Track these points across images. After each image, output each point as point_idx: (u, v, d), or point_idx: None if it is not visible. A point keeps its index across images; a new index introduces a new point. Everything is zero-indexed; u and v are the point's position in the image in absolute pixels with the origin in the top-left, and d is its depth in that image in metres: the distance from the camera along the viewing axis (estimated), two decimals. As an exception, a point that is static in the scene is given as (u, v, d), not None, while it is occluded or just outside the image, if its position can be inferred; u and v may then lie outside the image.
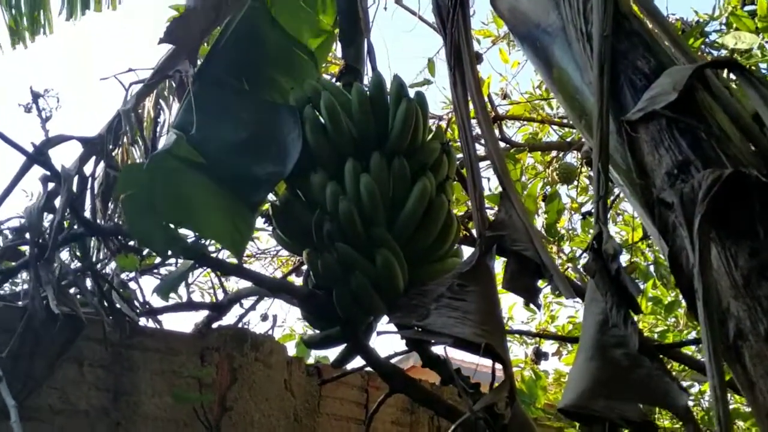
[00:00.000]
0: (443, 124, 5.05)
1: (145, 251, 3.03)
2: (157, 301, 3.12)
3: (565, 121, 6.02)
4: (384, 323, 2.18)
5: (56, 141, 2.61)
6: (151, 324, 3.11)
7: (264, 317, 4.98)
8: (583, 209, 5.44)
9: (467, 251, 2.37)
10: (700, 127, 1.40)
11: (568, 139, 5.82)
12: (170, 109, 3.62)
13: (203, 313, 3.24)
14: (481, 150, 3.00)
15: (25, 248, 2.71)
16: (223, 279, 3.92)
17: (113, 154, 3.20)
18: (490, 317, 1.83)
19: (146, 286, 5.13)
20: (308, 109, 2.21)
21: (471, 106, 2.14)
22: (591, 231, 4.49)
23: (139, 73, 3.16)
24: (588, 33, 1.66)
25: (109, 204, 3.09)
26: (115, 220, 3.17)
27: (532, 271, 1.83)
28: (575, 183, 5.38)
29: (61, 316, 2.32)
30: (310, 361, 4.06)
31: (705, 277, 1.19)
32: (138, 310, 2.95)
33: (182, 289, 3.49)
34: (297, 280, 5.29)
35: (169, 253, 2.58)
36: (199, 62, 2.68)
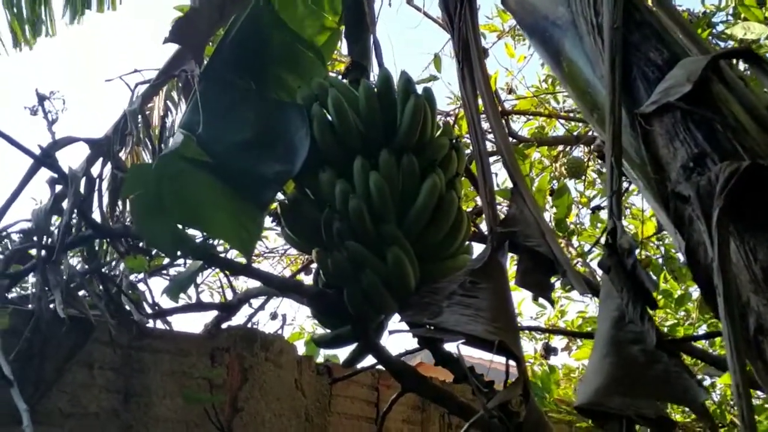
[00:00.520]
0: (450, 120, 5.03)
1: (154, 252, 3.02)
2: (166, 303, 3.12)
3: (571, 114, 5.99)
4: (395, 321, 2.16)
5: (63, 143, 2.61)
6: (160, 325, 3.10)
7: (273, 316, 4.98)
8: (592, 204, 5.42)
9: (476, 248, 2.37)
10: (715, 118, 1.37)
11: (575, 133, 5.79)
12: (177, 110, 3.61)
13: (212, 314, 3.23)
14: (488, 145, 2.98)
15: (34, 251, 2.70)
16: (231, 279, 3.91)
17: (120, 155, 3.20)
18: (502, 314, 1.81)
19: (155, 288, 5.14)
20: (315, 106, 2.19)
21: (480, 100, 2.12)
22: (599, 225, 4.48)
23: (144, 73, 3.16)
24: (598, 25, 1.64)
25: (117, 205, 3.08)
26: (123, 221, 3.17)
27: (545, 266, 1.81)
28: (583, 177, 5.35)
29: (68, 319, 2.31)
30: (320, 360, 4.05)
31: (725, 271, 1.16)
32: (147, 312, 2.94)
33: (191, 290, 3.49)
34: (305, 279, 5.29)
35: (178, 253, 2.57)
36: (204, 62, 2.66)
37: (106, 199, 2.96)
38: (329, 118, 2.19)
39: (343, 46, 3.39)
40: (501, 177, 4.99)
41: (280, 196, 2.31)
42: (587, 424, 4.31)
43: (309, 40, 2.60)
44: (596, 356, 1.44)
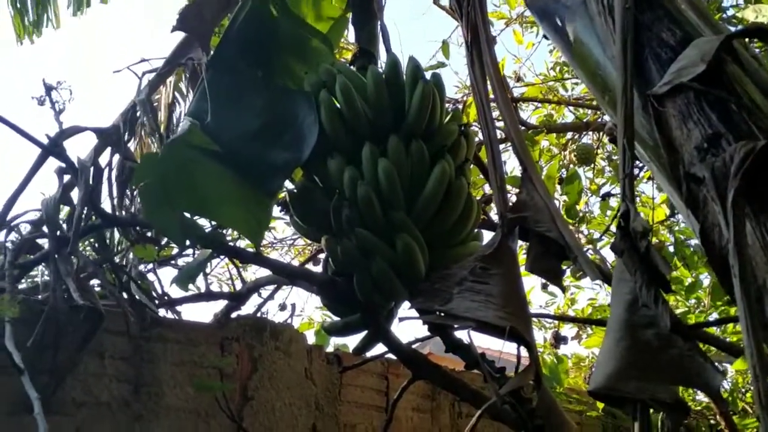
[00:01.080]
0: (458, 107, 5.00)
1: (163, 242, 3.02)
2: (175, 292, 3.12)
3: (580, 102, 5.95)
4: (405, 309, 2.15)
5: (71, 132, 2.60)
6: (170, 315, 3.10)
7: (282, 307, 4.98)
8: (602, 191, 5.38)
9: (485, 236, 2.35)
10: (730, 99, 1.35)
11: (585, 120, 5.75)
12: (185, 99, 3.60)
13: (221, 304, 3.23)
14: (497, 133, 2.95)
15: (42, 241, 2.70)
16: (240, 269, 3.91)
17: (128, 144, 3.19)
18: (514, 300, 1.79)
19: (164, 278, 5.14)
20: (323, 93, 2.18)
21: (489, 86, 2.10)
22: (609, 213, 4.45)
23: (151, 62, 3.15)
24: (610, 5, 1.62)
25: (126, 195, 3.08)
26: (132, 210, 3.16)
27: (555, 252, 1.79)
28: (592, 165, 5.32)
29: (81, 308, 2.31)
30: (330, 349, 4.05)
31: (741, 253, 1.15)
32: (157, 302, 2.94)
33: (200, 280, 3.50)
34: (314, 269, 5.29)
35: (187, 243, 2.56)
36: (211, 50, 2.65)
37: (114, 189, 2.95)
38: (337, 104, 2.17)
39: (350, 33, 3.37)
40: (509, 165, 4.97)
41: (288, 184, 2.30)
42: (597, 414, 4.31)
43: (316, 27, 2.58)
44: (610, 340, 1.42)
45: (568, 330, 6.07)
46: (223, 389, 2.86)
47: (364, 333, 2.20)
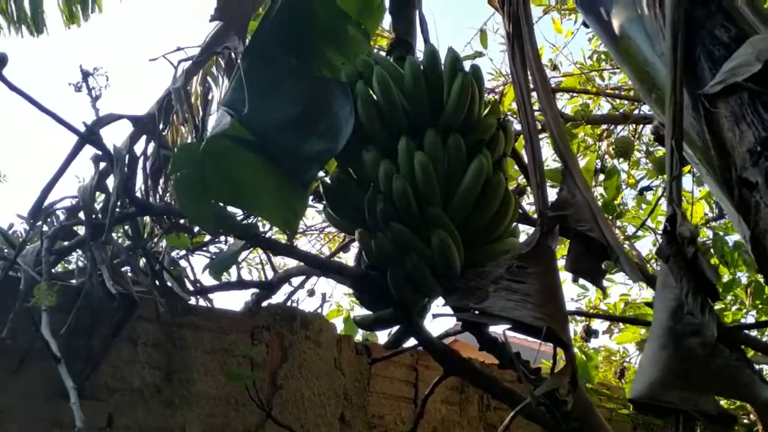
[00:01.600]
0: (494, 97, 4.94)
1: (196, 230, 3.03)
2: (207, 280, 3.13)
3: (617, 92, 5.84)
4: (439, 305, 2.12)
5: (107, 120, 2.61)
6: (202, 303, 3.11)
7: (311, 293, 4.98)
8: (640, 184, 5.28)
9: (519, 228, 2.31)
10: (787, 100, 1.30)
11: (621, 110, 5.64)
12: (218, 87, 3.60)
13: (251, 292, 3.24)
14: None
15: (77, 228, 2.72)
16: (271, 257, 3.92)
17: (164, 132, 3.20)
18: (551, 300, 1.76)
19: (196, 265, 5.17)
20: (360, 84, 2.14)
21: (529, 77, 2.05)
22: (644, 207, 4.35)
23: (186, 51, 3.14)
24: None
25: (160, 183, 3.09)
26: (166, 199, 3.18)
27: (596, 252, 1.75)
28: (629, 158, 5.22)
29: (117, 295, 2.33)
30: (358, 338, 4.05)
31: (795, 262, 1.10)
32: (189, 289, 2.95)
33: (232, 268, 3.50)
34: (344, 257, 5.28)
35: (220, 232, 2.56)
36: (247, 39, 2.63)
37: (149, 178, 2.96)
38: (374, 96, 2.14)
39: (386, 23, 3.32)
40: (543, 156, 4.87)
41: (321, 175, 2.28)
42: (629, 411, 4.25)
43: (353, 16, 2.54)
44: (652, 348, 1.38)
45: (598, 323, 5.99)
46: (254, 378, 2.87)
47: (395, 327, 2.18)
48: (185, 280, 2.98)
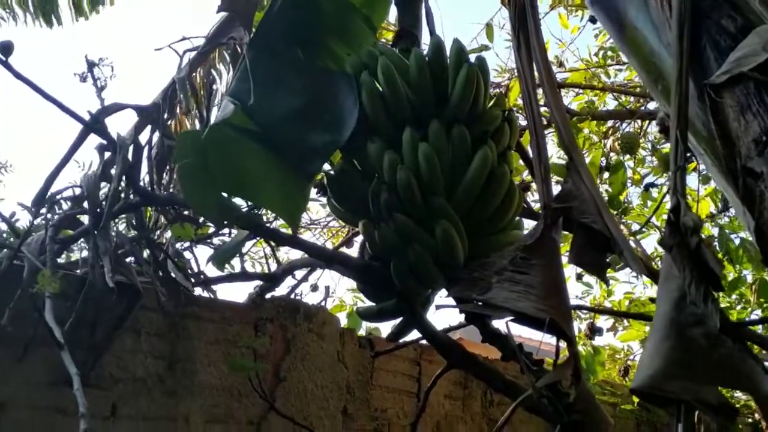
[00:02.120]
0: (499, 91, 4.93)
1: (200, 221, 3.03)
2: (211, 271, 3.13)
3: (623, 89, 5.82)
4: (442, 296, 2.12)
5: (112, 109, 2.61)
6: (205, 294, 3.12)
7: (314, 288, 4.98)
8: (645, 181, 5.26)
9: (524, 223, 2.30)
10: (793, 90, 1.29)
11: (627, 107, 5.62)
12: (221, 78, 3.60)
13: (254, 284, 3.24)
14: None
15: (81, 217, 2.73)
16: (275, 249, 3.92)
17: (168, 123, 3.20)
18: (554, 292, 1.75)
19: (200, 256, 5.17)
20: (365, 75, 2.14)
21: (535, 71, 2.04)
22: (649, 204, 4.34)
23: (191, 41, 3.14)
24: (667, -10, 1.56)
25: (164, 173, 3.09)
26: (171, 189, 3.18)
27: (600, 244, 1.74)
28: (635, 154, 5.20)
29: (119, 285, 2.33)
30: (362, 332, 4.05)
31: (800, 252, 1.10)
32: (192, 280, 2.96)
33: (235, 259, 3.51)
34: (348, 252, 5.28)
35: (224, 222, 2.56)
36: (253, 30, 2.63)
37: (154, 167, 2.96)
38: (379, 87, 2.14)
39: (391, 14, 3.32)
40: (548, 151, 4.86)
41: (326, 166, 2.28)
42: (632, 407, 4.24)
43: (359, 8, 2.54)
44: (655, 338, 1.38)
45: (603, 321, 5.99)
46: (257, 369, 2.87)
47: (399, 319, 2.18)
48: (189, 270, 2.98)
